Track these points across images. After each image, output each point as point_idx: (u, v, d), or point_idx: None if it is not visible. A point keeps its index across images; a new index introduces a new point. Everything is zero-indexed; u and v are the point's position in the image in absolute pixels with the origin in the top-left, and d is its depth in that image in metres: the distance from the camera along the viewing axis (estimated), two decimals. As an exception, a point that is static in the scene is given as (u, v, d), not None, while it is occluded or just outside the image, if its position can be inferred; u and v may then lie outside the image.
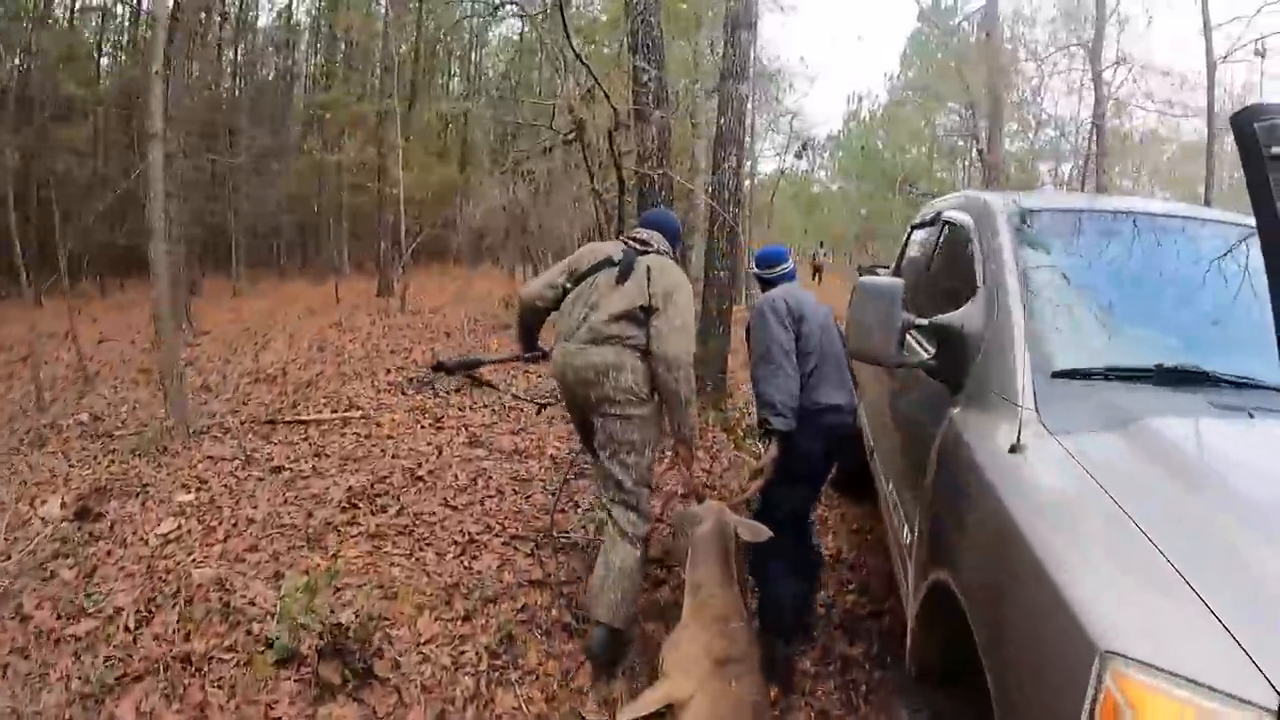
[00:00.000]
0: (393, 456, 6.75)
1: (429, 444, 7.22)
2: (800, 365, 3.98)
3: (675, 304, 3.85)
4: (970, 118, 23.51)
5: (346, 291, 22.04)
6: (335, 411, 8.26)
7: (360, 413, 8.23)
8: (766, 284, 4.45)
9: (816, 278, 29.91)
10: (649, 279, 3.87)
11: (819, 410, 3.96)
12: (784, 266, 4.48)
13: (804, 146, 12.90)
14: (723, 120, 8.65)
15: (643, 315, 3.85)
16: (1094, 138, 17.96)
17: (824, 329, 4.17)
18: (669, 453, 4.60)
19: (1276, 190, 1.02)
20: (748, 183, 21.90)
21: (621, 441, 3.93)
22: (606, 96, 6.67)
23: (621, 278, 3.91)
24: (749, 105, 8.58)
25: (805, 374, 4.00)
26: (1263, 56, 15.11)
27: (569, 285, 4.11)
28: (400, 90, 20.74)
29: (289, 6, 35.10)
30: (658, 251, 4.11)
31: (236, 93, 31.52)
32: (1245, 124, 1.09)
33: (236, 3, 32.14)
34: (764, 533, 3.61)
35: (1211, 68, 15.37)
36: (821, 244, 30.78)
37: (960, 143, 36.72)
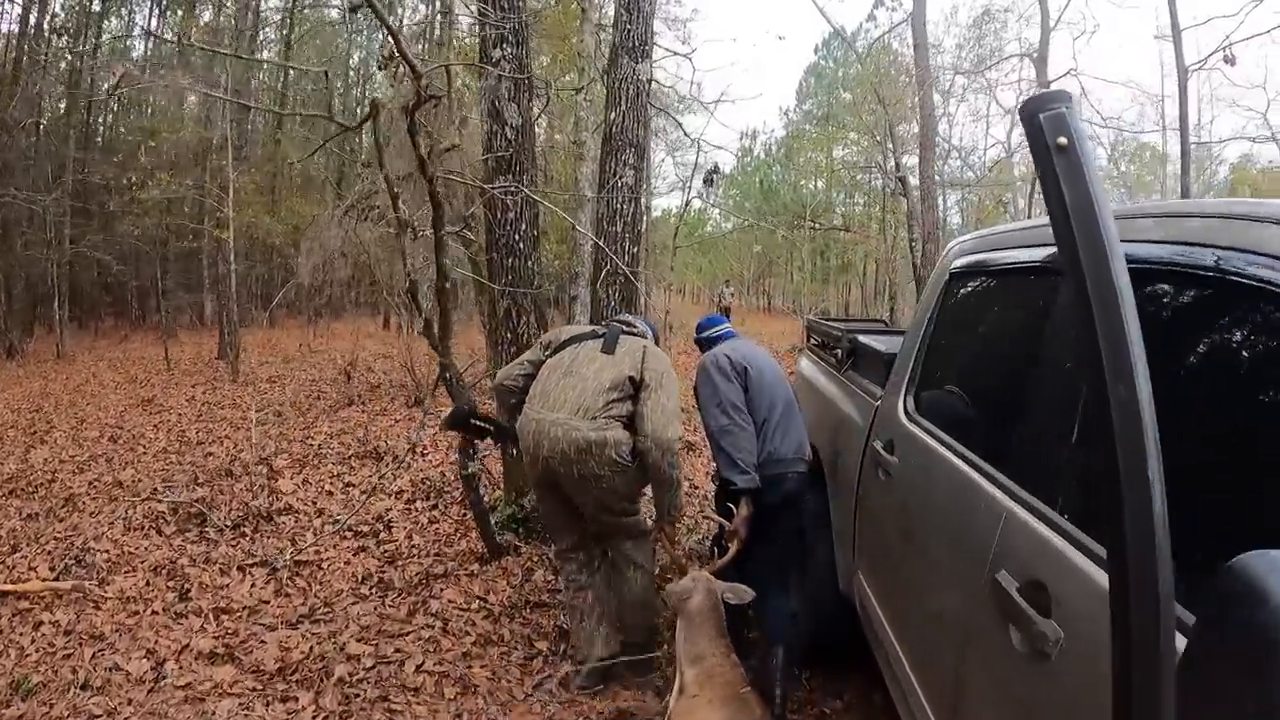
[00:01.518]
0: (81, 688, 4.16)
1: (146, 652, 4.55)
2: (754, 417, 4.06)
3: (665, 387, 3.88)
4: (885, 141, 21.68)
5: (188, 353, 19.69)
6: (53, 571, 5.66)
7: (78, 579, 5.54)
8: (709, 345, 4.49)
9: (723, 310, 27.82)
10: (643, 356, 3.96)
11: (778, 461, 4.05)
12: (723, 326, 4.65)
13: (713, 172, 10.57)
14: (615, 115, 5.94)
15: (631, 389, 3.88)
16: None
17: (774, 378, 4.27)
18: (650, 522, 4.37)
19: (1064, 180, 0.95)
20: (644, 223, 19.73)
21: (613, 507, 3.96)
22: (404, 57, 3.87)
23: (608, 347, 3.98)
24: (646, 94, 5.57)
25: (759, 426, 4.06)
26: (1232, 64, 13.30)
27: (545, 357, 4.15)
28: (233, 113, 17.41)
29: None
30: (642, 334, 4.24)
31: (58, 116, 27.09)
32: (1032, 114, 0.99)
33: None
34: (748, 594, 3.59)
35: (1183, 75, 13.45)
36: (728, 283, 28.43)
37: (862, 176, 35.53)
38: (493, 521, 5.71)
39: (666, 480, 3.86)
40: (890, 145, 20.62)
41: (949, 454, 2.70)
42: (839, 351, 4.79)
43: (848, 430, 4.10)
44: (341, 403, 12.12)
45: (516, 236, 5.78)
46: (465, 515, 6.47)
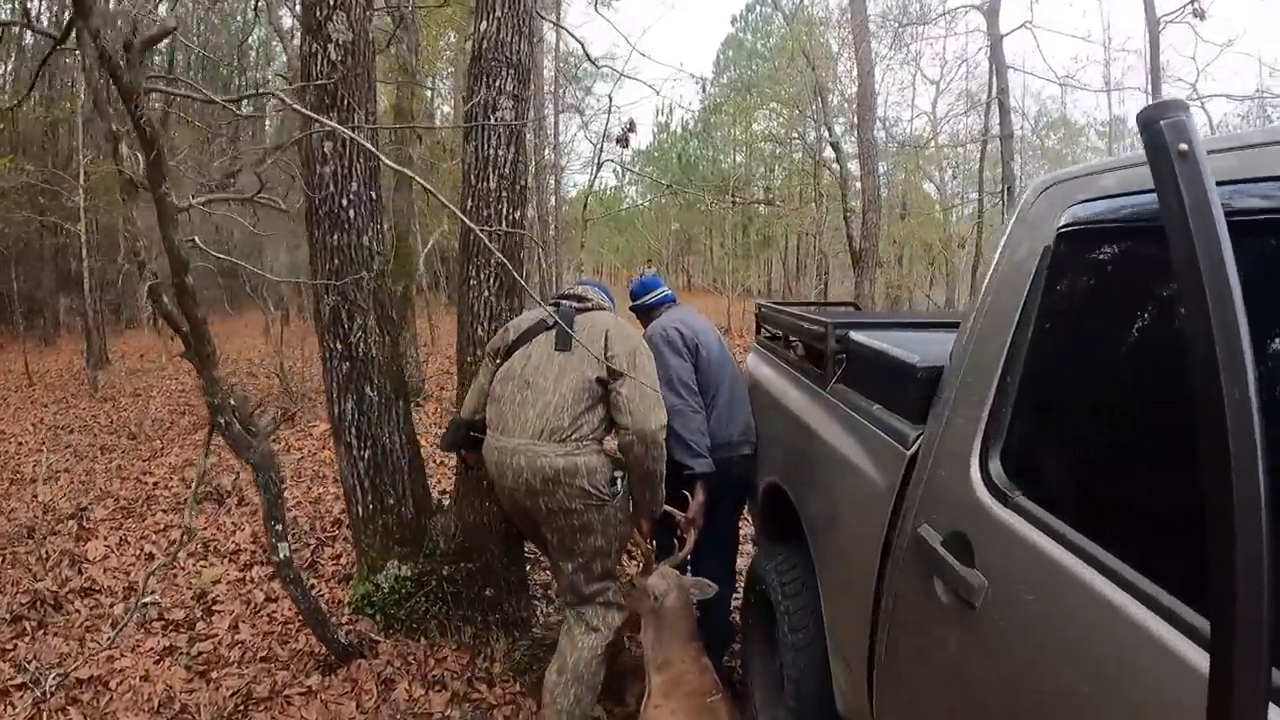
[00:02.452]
0: None
1: None
2: (703, 397, 3.84)
3: (641, 369, 3.31)
4: (813, 105, 20.21)
5: (60, 362, 18.01)
6: None
7: None
8: (647, 313, 4.27)
9: None
10: (605, 341, 3.36)
11: (728, 444, 3.84)
12: (662, 290, 4.31)
13: (628, 129, 9.08)
14: (487, 26, 4.13)
15: (600, 389, 3.34)
16: (1001, 117, 14.33)
17: (721, 354, 4.03)
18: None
19: (1184, 185, 0.96)
20: (552, 200, 18.07)
21: (583, 550, 3.42)
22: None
23: (562, 343, 3.41)
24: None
25: (707, 406, 3.84)
26: (1201, 18, 12.07)
27: (500, 363, 3.60)
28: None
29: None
30: (599, 307, 3.66)
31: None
32: (1152, 121, 0.99)
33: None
34: (711, 589, 3.50)
35: (1153, 27, 12.14)
36: (649, 261, 26.30)
37: (782, 149, 34.27)
38: (347, 601, 4.60)
39: (650, 476, 3.37)
40: (820, 107, 19.11)
41: (1118, 594, 1.42)
42: (821, 355, 3.30)
43: (850, 489, 2.74)
44: (204, 421, 10.28)
45: (344, 202, 4.08)
46: (320, 573, 5.20)
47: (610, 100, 15.65)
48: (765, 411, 3.94)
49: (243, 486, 7.22)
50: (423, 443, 5.05)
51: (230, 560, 5.75)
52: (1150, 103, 1.10)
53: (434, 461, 7.56)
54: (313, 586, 5.00)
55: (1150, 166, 1.00)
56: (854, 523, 2.69)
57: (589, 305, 3.67)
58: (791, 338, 3.92)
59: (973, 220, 22.26)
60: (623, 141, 8.81)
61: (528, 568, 4.92)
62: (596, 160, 9.29)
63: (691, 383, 3.81)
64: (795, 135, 29.58)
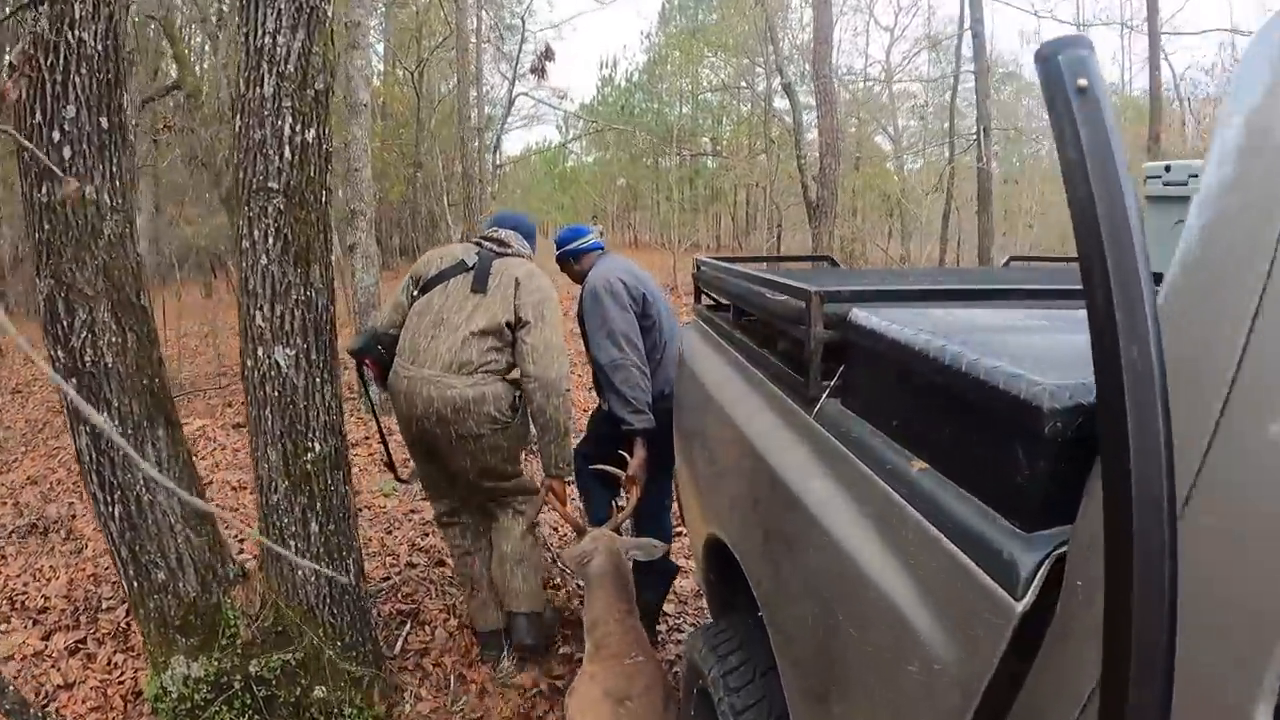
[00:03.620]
0: None
1: None
2: (648, 349, 3.81)
3: (547, 319, 3.52)
4: (764, 46, 18.76)
5: None
6: None
7: None
8: (575, 260, 4.15)
9: None
10: (516, 288, 3.54)
11: (668, 396, 3.58)
12: (589, 238, 4.18)
13: (543, 57, 7.73)
14: None
15: (509, 333, 3.53)
16: (975, 51, 12.55)
17: (666, 305, 4.01)
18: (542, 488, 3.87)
19: (1082, 124, 0.88)
20: (490, 159, 16.58)
21: (494, 469, 3.69)
22: None
23: (478, 285, 3.58)
24: None
25: (654, 359, 3.84)
26: None
27: (415, 295, 3.72)
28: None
29: None
30: (517, 254, 3.78)
31: None
32: (1050, 55, 0.90)
33: None
34: (659, 548, 3.43)
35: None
36: (595, 218, 24.62)
37: (729, 100, 32.91)
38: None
39: (553, 426, 3.53)
40: (771, 50, 17.58)
41: None
42: (799, 349, 1.95)
43: (861, 623, 1.51)
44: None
45: (55, 136, 2.57)
46: (132, 645, 4.15)
47: (523, 23, 13.92)
48: (703, 421, 2.76)
49: (76, 515, 5.84)
50: (229, 479, 3.81)
51: (36, 623, 4.49)
52: (1049, 40, 0.92)
53: (237, 496, 6.22)
54: (119, 664, 4.04)
55: (1046, 104, 0.90)
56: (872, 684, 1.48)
57: (508, 251, 3.75)
58: (747, 314, 2.59)
59: (936, 169, 21.16)
60: (538, 70, 7.38)
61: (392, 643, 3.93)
62: (510, 93, 7.72)
63: (634, 335, 3.72)
64: (744, 84, 28.25)
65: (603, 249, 4.19)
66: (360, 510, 5.52)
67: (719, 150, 33.41)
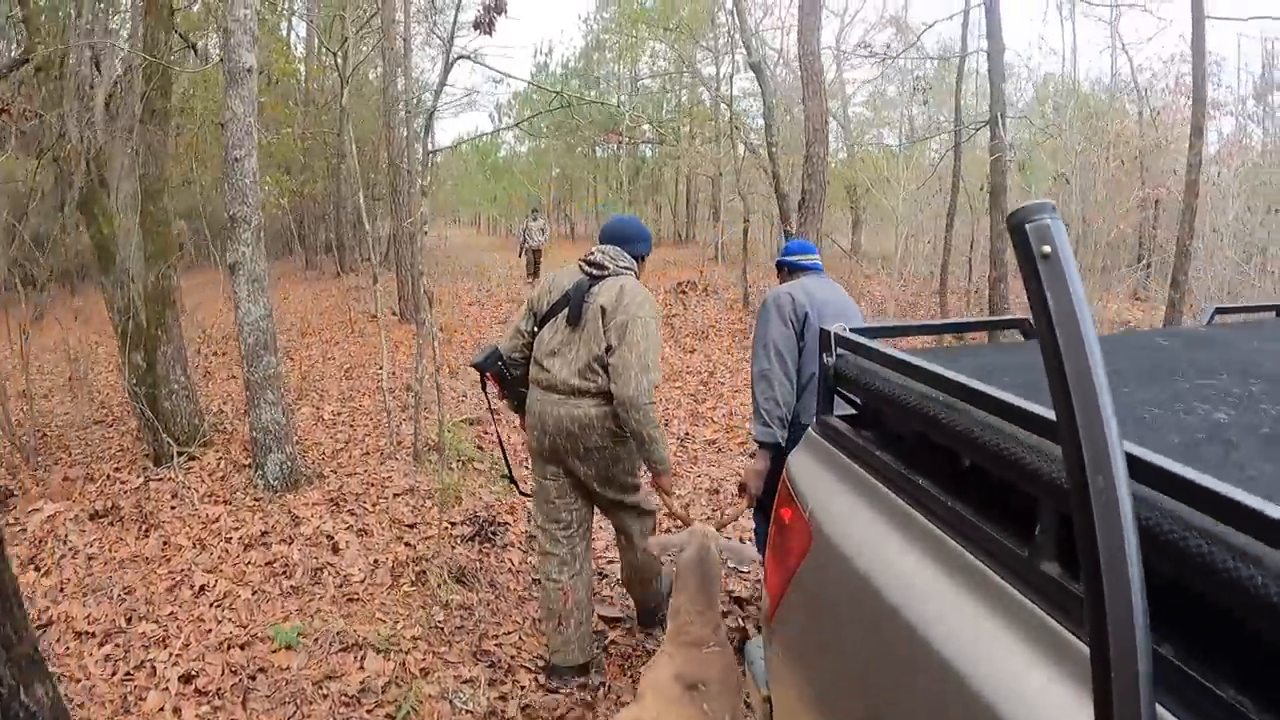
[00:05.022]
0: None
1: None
2: (802, 368, 3.93)
3: (627, 340, 3.78)
4: (730, 30, 17.08)
5: None
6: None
7: None
8: (787, 273, 4.42)
9: (528, 261, 22.22)
10: (604, 319, 3.85)
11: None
12: (811, 257, 4.42)
13: (493, 7, 6.13)
14: None
15: (607, 358, 3.85)
16: (989, 28, 10.96)
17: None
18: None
19: (1048, 287, 0.98)
20: (420, 147, 14.73)
21: (615, 473, 4.02)
22: None
23: (573, 319, 3.91)
24: None
25: (805, 379, 3.93)
26: None
27: (535, 328, 4.12)
28: None
29: None
30: (616, 272, 4.03)
31: None
32: (1019, 225, 1.01)
33: None
34: (750, 557, 3.67)
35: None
36: (535, 213, 22.58)
37: (669, 88, 31.44)
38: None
39: (639, 435, 3.81)
40: (734, 24, 15.82)
41: None
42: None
43: None
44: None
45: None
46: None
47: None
48: (837, 618, 1.91)
49: None
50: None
51: None
52: (1018, 208, 1.03)
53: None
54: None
55: (1020, 266, 1.01)
56: None
57: (606, 273, 3.99)
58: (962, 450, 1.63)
59: (928, 158, 19.70)
60: (485, 24, 5.66)
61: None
62: (447, 55, 5.92)
63: (785, 348, 3.88)
64: (686, 71, 26.71)
65: (819, 269, 4.37)
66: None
67: (663, 138, 31.86)
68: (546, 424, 3.93)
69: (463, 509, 5.94)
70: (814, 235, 10.99)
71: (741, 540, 5.07)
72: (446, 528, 5.64)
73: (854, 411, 2.32)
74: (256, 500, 6.07)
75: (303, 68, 21.10)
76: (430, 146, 14.86)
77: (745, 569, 4.37)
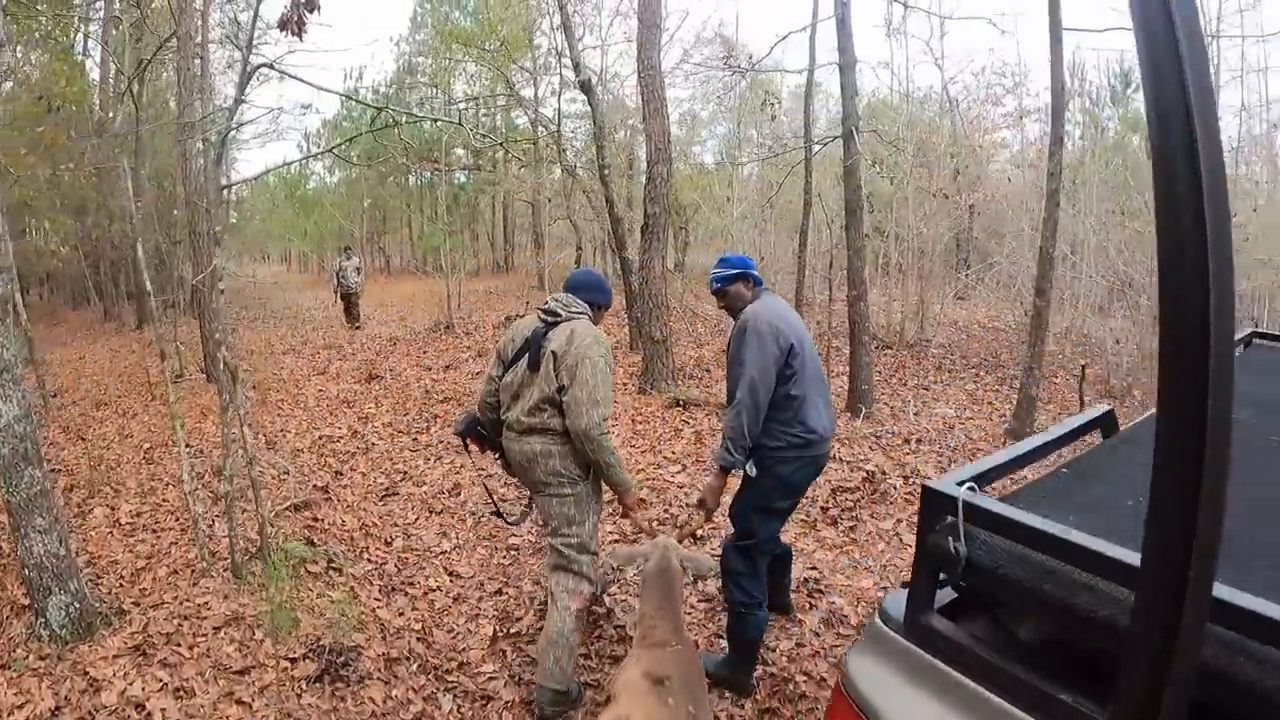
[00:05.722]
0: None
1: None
2: (791, 393, 4.07)
3: (579, 378, 4.03)
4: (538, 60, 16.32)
5: None
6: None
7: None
8: (738, 287, 4.41)
9: (346, 307, 20.11)
10: (555, 364, 4.10)
11: (809, 441, 4.11)
12: (753, 271, 4.47)
13: (303, 4, 5.09)
14: None
15: (559, 396, 4.11)
16: (840, 41, 10.55)
17: (812, 349, 4.26)
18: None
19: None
20: (216, 177, 13.29)
21: (558, 515, 4.27)
22: None
23: (532, 364, 4.20)
24: None
25: (796, 403, 4.08)
26: None
27: (503, 373, 4.40)
28: None
29: None
30: (568, 318, 4.27)
31: None
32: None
33: None
34: (708, 566, 4.11)
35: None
36: (347, 250, 20.66)
37: (485, 112, 30.56)
38: None
39: (598, 462, 4.13)
40: (563, 38, 14.97)
41: None
42: None
43: None
44: None
45: None
46: None
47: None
48: None
49: None
50: None
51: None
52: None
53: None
54: None
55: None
56: None
57: (559, 319, 4.27)
58: None
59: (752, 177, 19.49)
60: (292, 25, 4.70)
61: None
62: (245, 64, 4.85)
63: (767, 382, 3.99)
64: (504, 94, 25.88)
65: (763, 286, 4.45)
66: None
67: (479, 164, 30.97)
68: (514, 456, 4.31)
69: (301, 636, 4.81)
70: (658, 260, 10.33)
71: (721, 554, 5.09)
72: (285, 668, 4.52)
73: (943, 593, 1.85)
74: (42, 659, 4.62)
75: (97, 95, 19.17)
76: (226, 178, 13.52)
77: (705, 576, 4.68)
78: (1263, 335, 3.75)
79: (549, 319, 4.30)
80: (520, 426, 4.22)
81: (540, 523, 4.93)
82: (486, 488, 5.40)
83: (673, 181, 11.99)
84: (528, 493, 4.76)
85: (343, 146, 15.02)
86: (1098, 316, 13.89)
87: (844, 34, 9.71)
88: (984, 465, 1.92)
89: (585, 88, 12.47)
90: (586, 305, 4.38)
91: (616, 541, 6.08)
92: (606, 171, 12.30)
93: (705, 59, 19.26)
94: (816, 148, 13.72)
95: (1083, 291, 14.65)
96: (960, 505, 1.61)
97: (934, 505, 1.70)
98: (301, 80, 13.85)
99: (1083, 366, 7.03)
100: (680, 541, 4.16)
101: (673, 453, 8.36)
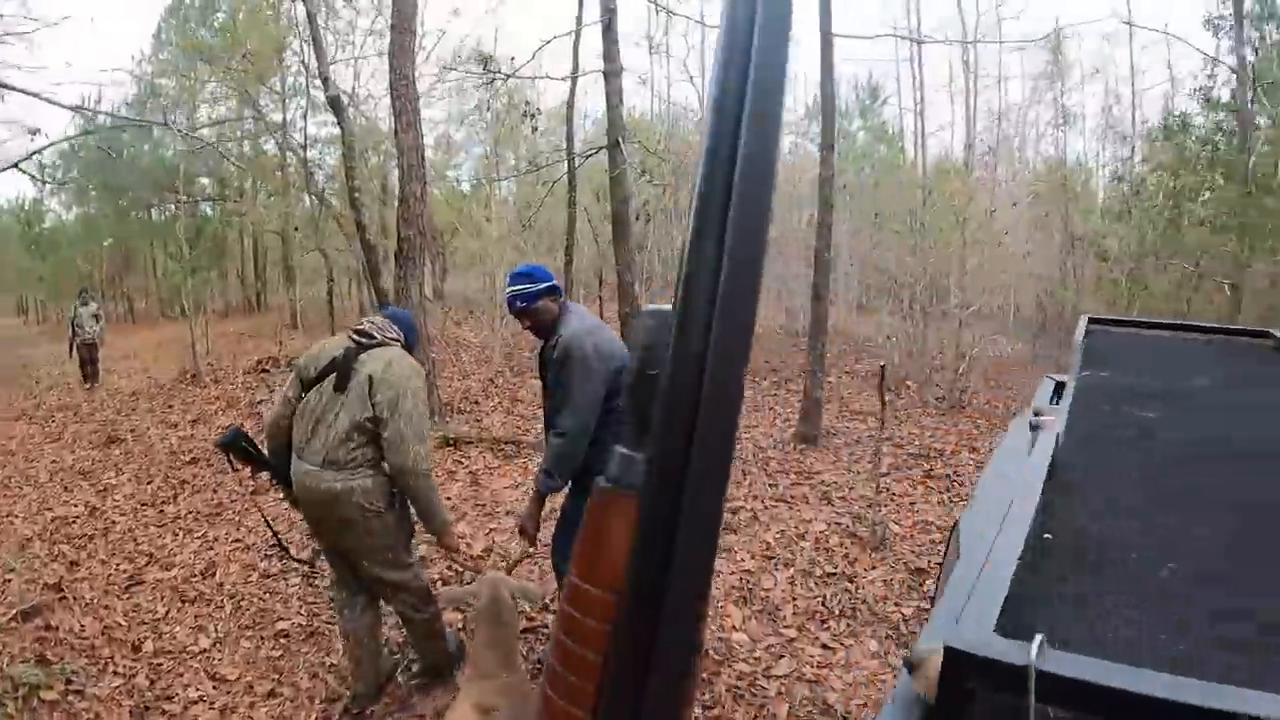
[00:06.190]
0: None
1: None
2: (607, 412, 3.98)
3: (400, 411, 3.85)
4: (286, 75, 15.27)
5: None
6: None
7: None
8: (544, 302, 4.12)
9: (82, 361, 17.26)
10: (371, 388, 3.88)
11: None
12: (555, 283, 4.19)
13: None
14: None
15: (371, 426, 3.89)
16: (605, 48, 9.85)
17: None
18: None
19: None
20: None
21: (373, 548, 4.02)
22: None
23: (340, 384, 3.93)
24: None
25: (614, 415, 3.99)
26: None
27: (302, 394, 4.10)
28: None
29: None
30: (383, 343, 4.09)
31: None
32: None
33: None
34: (537, 596, 4.26)
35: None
36: (84, 293, 18.44)
37: (232, 132, 28.97)
38: None
39: (419, 501, 4.01)
40: (312, 51, 14.00)
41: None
42: None
43: None
44: None
45: None
46: None
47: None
48: None
49: None
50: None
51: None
52: None
53: None
54: None
55: None
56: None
57: (374, 342, 4.05)
58: None
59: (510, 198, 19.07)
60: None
61: None
62: None
63: (595, 412, 3.93)
64: (251, 116, 24.48)
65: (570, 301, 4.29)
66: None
67: (224, 194, 29.32)
68: (308, 496, 3.95)
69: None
70: (415, 288, 9.56)
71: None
72: None
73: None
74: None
75: None
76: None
77: (536, 604, 4.62)
78: (1097, 320, 3.80)
79: (362, 340, 4.09)
80: (321, 459, 3.89)
81: (330, 576, 4.51)
82: (262, 513, 4.99)
83: (429, 203, 11.38)
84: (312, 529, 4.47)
85: (41, 153, 13.39)
86: (861, 315, 14.28)
87: (610, 40, 9.55)
88: (1009, 578, 1.38)
89: (334, 104, 11.62)
90: (400, 333, 4.23)
91: (443, 583, 5.67)
92: (358, 195, 11.44)
93: (464, 69, 18.62)
94: (581, 160, 13.42)
95: (841, 290, 15.12)
96: (1031, 679, 1.03)
97: (967, 682, 1.09)
98: (25, 91, 12.21)
99: (882, 366, 6.95)
100: (510, 572, 4.17)
101: (448, 498, 7.59)
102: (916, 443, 9.85)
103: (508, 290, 4.16)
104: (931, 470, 8.79)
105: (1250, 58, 15.64)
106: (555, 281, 4.17)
